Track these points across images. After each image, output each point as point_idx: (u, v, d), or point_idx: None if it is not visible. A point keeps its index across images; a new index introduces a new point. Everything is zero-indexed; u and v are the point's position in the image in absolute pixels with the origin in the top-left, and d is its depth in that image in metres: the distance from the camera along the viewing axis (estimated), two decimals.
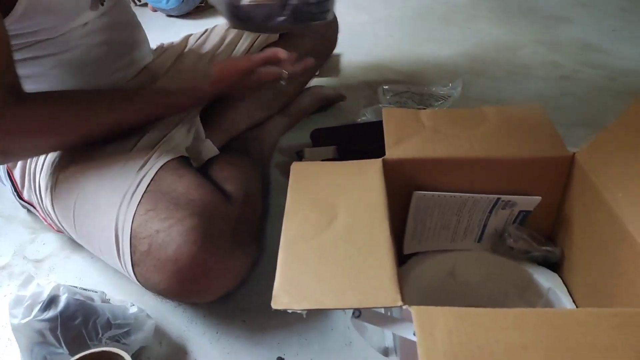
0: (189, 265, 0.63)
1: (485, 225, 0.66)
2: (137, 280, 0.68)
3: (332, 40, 1.18)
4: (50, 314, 0.57)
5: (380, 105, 1.15)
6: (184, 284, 0.65)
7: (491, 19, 1.69)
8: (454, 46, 1.51)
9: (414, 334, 0.40)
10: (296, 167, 0.61)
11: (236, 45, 1.04)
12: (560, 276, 0.64)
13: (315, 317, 0.70)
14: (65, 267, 0.81)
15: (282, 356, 0.65)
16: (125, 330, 0.61)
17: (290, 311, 0.43)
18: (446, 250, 0.68)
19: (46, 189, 0.77)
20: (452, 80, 1.22)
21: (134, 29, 0.93)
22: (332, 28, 1.16)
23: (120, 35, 0.88)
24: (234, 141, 1.01)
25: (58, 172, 0.76)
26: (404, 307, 0.42)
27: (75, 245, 0.83)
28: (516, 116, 0.67)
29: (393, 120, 0.66)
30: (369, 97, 1.26)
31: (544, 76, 1.31)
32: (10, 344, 0.68)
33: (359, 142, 1.03)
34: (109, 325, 0.60)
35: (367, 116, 1.12)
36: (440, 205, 0.63)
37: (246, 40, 1.05)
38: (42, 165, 0.79)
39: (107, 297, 0.67)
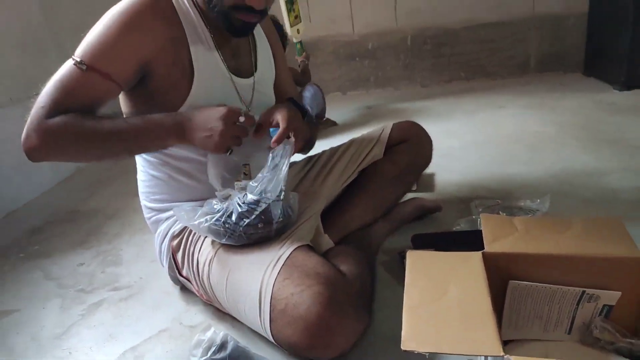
0: (316, 323, 0.80)
1: (574, 317, 0.77)
2: (272, 334, 0.85)
3: (428, 155, 1.37)
4: (221, 355, 0.75)
5: (474, 217, 1.30)
6: (311, 338, 0.81)
7: (578, 147, 1.83)
8: (543, 169, 1.65)
9: None
10: (413, 254, 0.77)
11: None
12: None
13: None
14: None
15: None
16: None
17: (416, 352, 0.57)
18: (540, 340, 0.79)
19: (204, 263, 0.99)
20: (541, 197, 1.35)
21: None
22: (427, 145, 1.35)
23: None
24: (347, 238, 1.21)
25: (215, 249, 0.98)
26: (505, 356, 0.55)
27: (220, 317, 1.04)
28: (598, 225, 0.80)
29: (491, 223, 0.82)
30: (462, 210, 1.42)
31: (631, 199, 1.40)
32: None
33: (455, 247, 1.17)
34: None
35: (461, 226, 1.27)
36: (532, 294, 0.76)
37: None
38: (200, 246, 1.02)
39: None
